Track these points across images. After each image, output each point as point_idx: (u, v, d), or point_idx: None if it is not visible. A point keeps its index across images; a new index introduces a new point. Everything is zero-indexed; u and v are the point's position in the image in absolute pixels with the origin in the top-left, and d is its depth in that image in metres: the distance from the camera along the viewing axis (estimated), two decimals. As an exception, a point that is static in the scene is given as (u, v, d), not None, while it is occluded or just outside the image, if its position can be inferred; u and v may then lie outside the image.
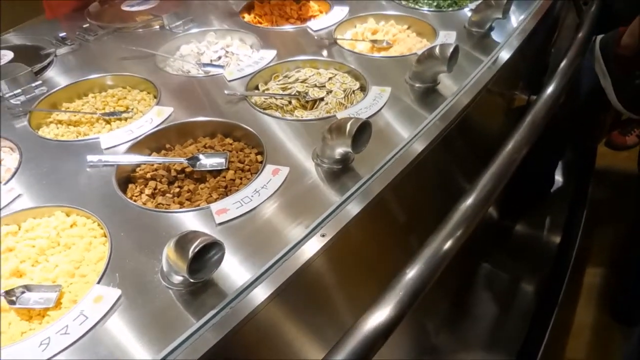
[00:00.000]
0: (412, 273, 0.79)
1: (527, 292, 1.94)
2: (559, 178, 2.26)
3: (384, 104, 1.11)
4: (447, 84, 1.17)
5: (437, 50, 1.11)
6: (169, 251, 0.70)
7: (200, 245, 0.66)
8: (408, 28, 1.51)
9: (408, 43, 1.43)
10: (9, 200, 0.90)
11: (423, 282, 0.80)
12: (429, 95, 1.15)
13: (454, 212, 0.90)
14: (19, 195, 0.91)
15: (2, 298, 0.76)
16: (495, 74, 1.21)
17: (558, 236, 2.09)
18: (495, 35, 1.37)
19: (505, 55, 1.28)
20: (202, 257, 0.68)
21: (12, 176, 0.96)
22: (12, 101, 1.17)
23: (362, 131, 0.89)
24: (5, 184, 0.94)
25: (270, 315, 0.76)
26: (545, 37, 1.66)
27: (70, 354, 0.66)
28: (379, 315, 0.72)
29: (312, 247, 0.80)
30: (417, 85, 1.17)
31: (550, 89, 1.22)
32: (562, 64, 1.28)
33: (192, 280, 0.68)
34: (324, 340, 0.84)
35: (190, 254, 0.65)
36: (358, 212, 0.86)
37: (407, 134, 1.03)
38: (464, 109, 1.10)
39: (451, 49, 1.09)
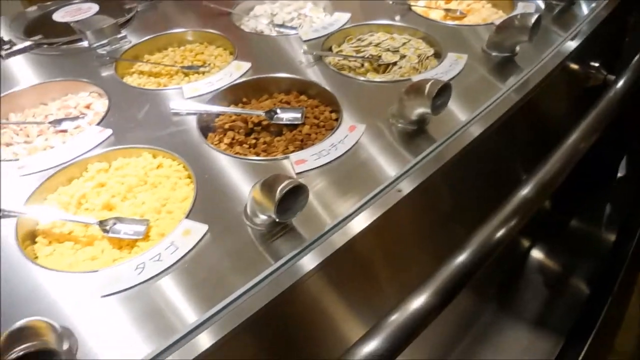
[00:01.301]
0: (461, 258, 0.80)
1: (578, 282, 1.90)
2: (621, 172, 2.18)
3: (460, 71, 1.10)
4: (526, 55, 1.15)
5: (518, 18, 1.09)
6: (255, 191, 0.74)
7: (290, 187, 0.69)
8: (484, -2, 1.48)
9: (483, 14, 1.40)
10: (101, 139, 0.95)
11: (470, 270, 0.80)
12: (506, 65, 1.13)
13: (511, 199, 0.90)
14: (109, 136, 0.96)
15: (97, 227, 0.82)
16: (575, 48, 1.17)
17: (614, 233, 2.02)
18: (577, 9, 1.32)
19: (586, 30, 1.24)
20: (289, 199, 0.71)
21: (103, 119, 1.02)
22: (98, 51, 1.23)
23: (443, 93, 0.89)
24: (98, 124, 1.00)
25: (342, 264, 0.78)
26: (624, 13, 1.59)
27: (162, 280, 0.71)
28: (421, 300, 0.74)
29: (388, 201, 0.82)
30: (494, 54, 1.15)
31: (629, 73, 1.18)
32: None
33: (277, 220, 0.71)
34: (381, 299, 0.86)
35: (279, 194, 0.68)
36: (432, 173, 0.87)
37: (482, 102, 1.02)
38: (541, 82, 1.08)
39: (534, 18, 1.07)
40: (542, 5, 1.36)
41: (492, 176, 1.11)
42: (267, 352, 0.74)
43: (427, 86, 0.89)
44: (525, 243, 1.80)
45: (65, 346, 0.58)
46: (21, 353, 0.51)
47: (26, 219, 0.82)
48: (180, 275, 0.71)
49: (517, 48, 1.15)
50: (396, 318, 0.75)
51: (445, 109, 0.93)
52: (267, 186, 0.72)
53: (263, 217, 0.75)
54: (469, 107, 1.01)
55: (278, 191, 0.69)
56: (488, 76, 1.11)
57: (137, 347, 0.63)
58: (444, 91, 0.89)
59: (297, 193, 0.72)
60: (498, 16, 1.39)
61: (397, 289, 0.92)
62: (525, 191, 0.92)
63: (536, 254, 1.93)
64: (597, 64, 1.44)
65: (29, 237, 0.82)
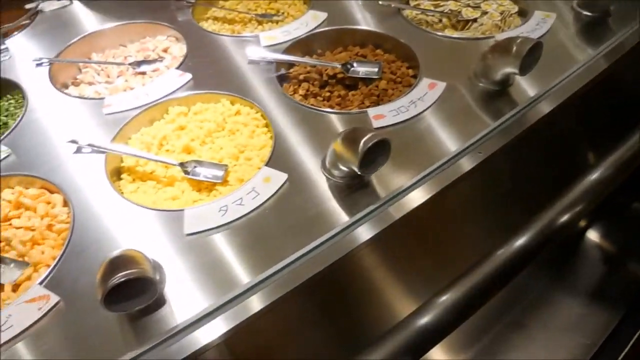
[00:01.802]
0: (522, 240, 0.79)
1: (635, 263, 1.83)
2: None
3: (547, 31, 1.05)
4: (620, 16, 1.08)
5: (617, -24, 1.02)
6: (336, 144, 0.74)
7: (374, 140, 0.68)
8: (573, -47, 1.38)
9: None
10: (181, 83, 0.97)
11: (531, 253, 0.79)
12: (598, 26, 1.07)
13: (580, 181, 0.87)
14: (189, 80, 0.98)
15: (178, 168, 0.85)
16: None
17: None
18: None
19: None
20: (372, 153, 0.70)
21: (181, 63, 1.03)
22: (174, -6, 1.23)
23: (533, 52, 0.85)
24: (177, 68, 1.01)
25: (417, 222, 0.78)
26: None
27: (244, 223, 0.73)
28: (475, 280, 0.73)
29: (468, 162, 0.80)
30: (585, 13, 1.09)
31: None
32: None
33: (359, 173, 0.71)
34: (439, 272, 0.86)
35: (364, 147, 0.68)
36: (513, 137, 0.85)
37: (569, 66, 0.97)
38: (635, 46, 1.01)
39: (636, -24, 0.99)
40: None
41: (566, 150, 1.07)
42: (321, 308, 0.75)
43: (516, 44, 0.85)
44: (582, 222, 1.74)
45: (157, 277, 0.61)
46: (123, 279, 0.54)
47: (113, 156, 0.86)
48: (260, 220, 0.73)
49: (612, 7, 1.07)
50: (450, 296, 0.75)
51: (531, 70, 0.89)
52: (350, 139, 0.71)
53: (343, 169, 0.76)
54: (556, 71, 0.96)
55: (362, 144, 0.69)
56: (577, 38, 1.04)
57: (217, 287, 0.65)
58: (534, 50, 0.85)
59: (380, 148, 0.71)
60: (589, -28, 1.29)
61: (455, 263, 0.92)
62: (596, 174, 0.88)
63: (593, 234, 1.87)
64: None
65: (115, 174, 0.86)
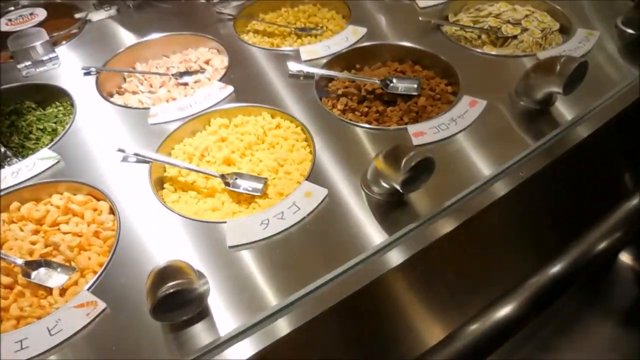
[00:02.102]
0: (555, 269, 0.77)
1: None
2: None
3: (590, 50, 1.03)
4: (667, 35, 1.06)
5: (666, -5, 1.00)
6: (378, 161, 0.74)
7: (418, 159, 0.68)
8: (617, -30, 1.36)
9: (615, -13, 1.29)
10: (223, 95, 0.99)
11: (568, 280, 0.77)
12: (641, 45, 1.05)
13: (617, 211, 0.85)
14: (232, 92, 1.00)
15: (219, 179, 0.87)
16: None
17: None
18: None
19: None
20: (414, 172, 0.70)
21: (223, 75, 1.05)
22: (217, 7, 1.26)
23: (577, 72, 0.84)
24: (219, 80, 1.03)
25: (452, 244, 0.78)
26: None
27: (284, 237, 0.74)
28: (506, 310, 0.72)
29: (508, 183, 0.80)
30: (629, 31, 1.07)
31: None
32: None
33: (401, 191, 0.72)
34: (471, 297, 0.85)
35: (407, 165, 0.68)
36: (555, 158, 0.84)
37: (613, 86, 0.96)
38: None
39: (685, -4, 0.97)
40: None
41: (606, 173, 1.05)
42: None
43: (560, 63, 0.84)
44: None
45: (203, 289, 0.63)
46: (173, 290, 0.56)
47: (157, 166, 0.88)
48: (299, 235, 0.74)
49: (658, 27, 1.06)
50: (481, 325, 0.75)
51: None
52: (393, 156, 0.72)
53: (384, 186, 0.76)
54: (599, 91, 0.95)
55: (405, 162, 0.69)
56: (621, 56, 1.03)
57: (253, 304, 0.66)
58: (578, 70, 0.84)
59: (423, 166, 0.72)
60: (633, -10, 1.27)
61: (488, 288, 0.91)
62: (636, 201, 0.87)
63: (625, 256, 1.82)
64: None
65: (158, 183, 0.88)
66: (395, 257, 0.72)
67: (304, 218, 0.76)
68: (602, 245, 0.85)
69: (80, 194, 0.84)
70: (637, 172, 1.13)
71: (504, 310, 0.79)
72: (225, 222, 0.76)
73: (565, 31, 1.13)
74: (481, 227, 0.82)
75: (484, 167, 0.82)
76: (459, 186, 0.80)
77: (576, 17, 1.13)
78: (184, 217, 0.78)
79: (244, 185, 0.87)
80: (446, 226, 0.76)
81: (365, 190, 0.80)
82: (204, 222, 0.77)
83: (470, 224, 0.77)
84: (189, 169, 0.87)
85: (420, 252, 0.73)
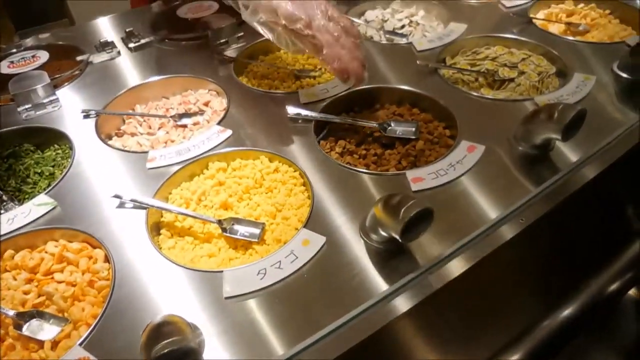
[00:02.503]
0: (564, 314, 0.77)
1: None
2: None
3: (587, 94, 1.04)
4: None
5: (660, 41, 1.01)
6: (377, 209, 0.74)
7: (417, 209, 0.68)
8: (610, 13, 1.39)
9: (609, 30, 1.32)
10: (222, 139, 0.99)
11: (576, 327, 0.76)
12: (637, 91, 1.06)
13: (627, 251, 0.85)
14: (230, 136, 1.00)
15: (214, 226, 0.86)
16: None
17: None
18: None
19: None
20: (413, 221, 0.70)
21: (223, 118, 1.06)
22: (217, 49, 1.28)
23: (575, 120, 0.84)
24: (218, 124, 1.04)
25: (456, 291, 0.77)
26: None
27: (281, 288, 0.72)
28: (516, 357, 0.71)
29: (509, 230, 0.79)
30: (625, 76, 1.08)
31: None
32: None
33: (400, 241, 0.71)
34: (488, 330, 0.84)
35: (406, 215, 0.68)
36: (555, 204, 0.83)
37: (611, 131, 0.96)
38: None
39: (679, 42, 0.99)
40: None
41: (608, 219, 1.05)
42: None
43: (558, 111, 0.85)
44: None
45: (198, 345, 0.61)
46: (166, 350, 0.54)
47: (154, 211, 0.87)
48: (297, 286, 0.73)
49: (654, 73, 1.07)
50: None
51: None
52: (392, 206, 0.71)
53: (383, 234, 0.75)
54: (597, 136, 0.95)
55: (404, 212, 0.68)
56: (619, 102, 1.04)
57: (260, 352, 0.65)
58: (577, 118, 0.84)
59: (422, 216, 0.71)
60: (627, 33, 1.30)
61: (495, 335, 0.89)
62: None
63: (632, 290, 1.80)
64: None
65: (154, 229, 0.87)
66: (397, 307, 0.71)
67: (302, 267, 0.75)
68: (613, 287, 0.84)
69: (76, 241, 0.83)
70: None
71: (514, 358, 0.77)
72: (221, 271, 0.75)
73: (562, 75, 1.14)
74: (485, 274, 0.81)
75: (484, 213, 0.82)
76: (459, 234, 0.79)
77: (572, 61, 1.14)
78: (180, 265, 0.77)
79: (241, 230, 0.86)
80: (448, 275, 0.75)
81: (364, 238, 0.79)
82: (200, 271, 0.76)
83: (473, 271, 0.76)
84: (185, 214, 0.87)
85: (423, 301, 0.72)
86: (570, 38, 1.27)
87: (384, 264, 0.76)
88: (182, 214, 0.87)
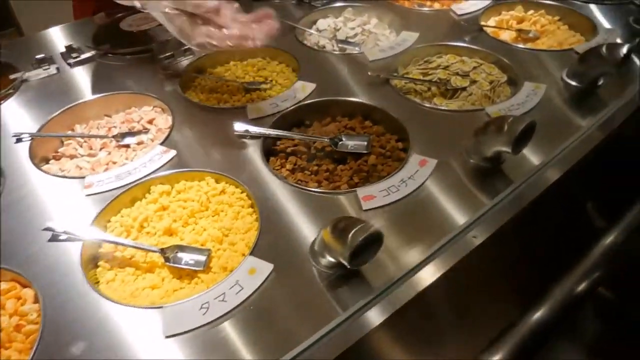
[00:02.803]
0: (537, 316, 0.76)
1: (635, 313, 1.78)
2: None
3: (538, 103, 1.04)
4: (610, 88, 1.07)
5: (606, 49, 1.02)
6: (326, 233, 0.70)
7: (365, 234, 0.65)
8: (559, 19, 1.40)
9: (558, 36, 1.33)
10: (165, 160, 0.94)
11: (548, 329, 0.76)
12: (587, 98, 1.06)
13: (593, 250, 0.85)
14: (173, 157, 0.95)
15: (157, 255, 0.81)
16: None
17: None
18: (666, 36, 1.23)
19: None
20: (362, 245, 0.67)
21: (167, 137, 1.01)
22: (163, 63, 1.22)
23: (526, 132, 0.83)
24: (161, 144, 0.99)
25: (409, 316, 0.74)
26: None
27: (227, 321, 0.68)
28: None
29: (463, 248, 0.77)
30: (574, 84, 1.08)
31: None
32: None
33: (349, 267, 0.68)
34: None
35: (356, 241, 0.65)
36: (510, 218, 0.82)
37: (563, 140, 0.95)
38: (627, 119, 1.00)
39: (624, 50, 0.99)
40: (625, 31, 1.26)
41: (571, 221, 1.05)
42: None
43: (508, 124, 0.83)
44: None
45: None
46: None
47: (91, 243, 0.82)
48: (243, 318, 0.69)
49: (602, 79, 1.07)
50: None
51: (523, 146, 0.87)
52: (340, 230, 0.68)
53: (332, 260, 0.72)
54: (549, 145, 0.94)
55: (352, 237, 0.65)
56: (569, 110, 1.04)
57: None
58: (527, 130, 0.83)
59: (371, 240, 0.68)
60: (576, 40, 1.31)
61: (466, 344, 0.88)
62: (610, 238, 0.86)
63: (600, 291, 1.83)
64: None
65: (92, 261, 0.82)
66: (352, 334, 0.68)
67: (247, 298, 0.71)
68: (581, 287, 0.83)
69: (4, 280, 0.77)
70: (607, 210, 1.14)
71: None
72: (161, 307, 0.70)
73: (513, 83, 1.14)
74: (447, 287, 0.79)
75: (438, 229, 0.80)
76: (414, 251, 0.76)
77: (522, 69, 1.14)
78: (117, 303, 0.72)
79: (186, 258, 0.81)
80: (403, 297, 0.72)
81: (314, 263, 0.75)
82: (138, 307, 0.71)
83: (433, 288, 0.73)
84: (123, 244, 0.81)
85: (378, 327, 0.69)
86: (521, 46, 1.27)
87: (336, 290, 0.72)
88: (120, 244, 0.81)
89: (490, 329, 0.84)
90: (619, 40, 1.22)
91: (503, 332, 0.80)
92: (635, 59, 1.15)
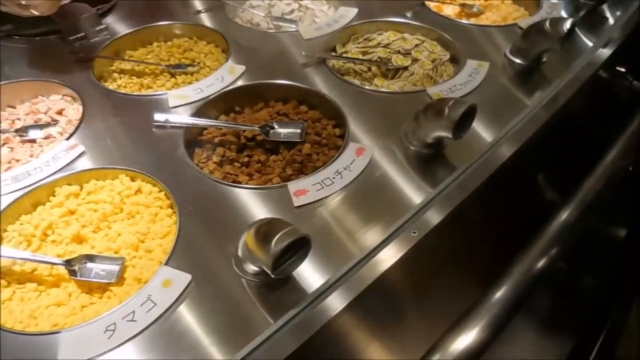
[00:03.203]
0: (499, 294, 0.72)
1: (588, 285, 1.81)
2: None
3: (481, 82, 0.98)
4: (554, 64, 1.03)
5: (549, 24, 0.97)
6: (249, 239, 0.62)
7: (289, 240, 0.57)
8: (503, -7, 1.35)
9: (502, 11, 1.28)
10: (72, 157, 0.83)
11: (512, 306, 0.72)
12: (531, 75, 1.02)
13: (549, 227, 0.81)
14: (82, 153, 0.84)
15: (63, 268, 0.71)
16: (608, 57, 1.05)
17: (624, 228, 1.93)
18: (610, 11, 1.19)
19: (619, 35, 1.12)
20: (287, 251, 0.59)
21: (75, 130, 0.89)
22: (74, 45, 1.09)
23: (467, 116, 0.77)
24: (67, 138, 0.87)
25: (347, 320, 0.68)
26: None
27: (136, 345, 0.60)
28: (463, 340, 0.66)
29: (402, 245, 0.71)
30: (518, 62, 1.03)
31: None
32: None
33: (272, 276, 0.60)
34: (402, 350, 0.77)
35: (277, 249, 0.57)
36: (453, 208, 0.76)
37: (507, 120, 0.90)
38: (571, 97, 0.96)
39: (567, 25, 0.94)
40: (569, 5, 1.22)
41: (521, 202, 1.01)
42: None
43: (448, 108, 0.77)
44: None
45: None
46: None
47: (-20, 258, 0.71)
48: (156, 340, 0.60)
49: (544, 56, 1.03)
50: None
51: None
52: (262, 235, 0.60)
53: (255, 268, 0.64)
54: (493, 127, 0.89)
55: (274, 244, 0.58)
56: (513, 88, 0.99)
57: None
58: (468, 114, 0.77)
59: (297, 245, 0.61)
60: (520, 14, 1.26)
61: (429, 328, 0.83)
62: (565, 215, 0.83)
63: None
64: (623, 70, 1.32)
65: (-15, 277, 0.71)
66: (292, 343, 0.61)
67: (160, 316, 0.62)
68: (542, 262, 0.80)
69: None
70: (560, 185, 1.11)
71: (462, 341, 0.70)
72: (59, 332, 0.61)
73: (456, 61, 1.08)
74: (389, 285, 0.73)
75: (377, 225, 0.73)
76: (352, 250, 0.70)
77: (466, 46, 1.08)
78: (7, 331, 0.62)
79: (96, 269, 0.71)
80: (341, 301, 0.65)
81: (238, 271, 0.67)
82: (33, 335, 0.61)
83: (378, 284, 0.67)
84: (19, 258, 0.71)
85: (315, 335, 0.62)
86: (464, 21, 1.21)
87: (265, 300, 0.65)
88: (14, 258, 0.71)
89: (453, 312, 0.79)
90: (563, 14, 1.17)
91: (467, 311, 0.76)
92: (580, 33, 1.11)
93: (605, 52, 1.06)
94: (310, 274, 0.67)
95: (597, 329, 1.59)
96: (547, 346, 1.47)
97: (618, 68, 1.29)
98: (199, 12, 1.22)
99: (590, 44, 1.09)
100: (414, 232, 0.72)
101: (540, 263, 0.84)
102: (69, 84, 1.00)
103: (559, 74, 1.00)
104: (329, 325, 0.64)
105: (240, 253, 0.66)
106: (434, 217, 0.75)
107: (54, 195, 0.81)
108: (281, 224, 0.60)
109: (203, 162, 0.88)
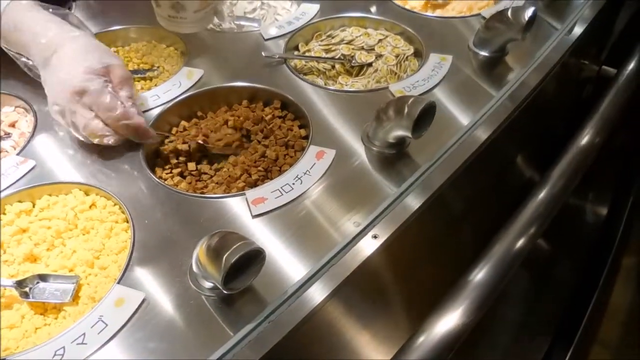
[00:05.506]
0: (480, 275, 0.71)
1: (565, 268, 1.82)
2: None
3: (444, 76, 0.96)
4: (519, 53, 1.02)
5: (510, 13, 0.95)
6: (200, 254, 0.60)
7: (238, 255, 0.56)
8: (469, -18, 1.33)
9: (468, 0, 1.26)
10: (22, 172, 0.80)
11: (493, 286, 0.71)
12: (495, 67, 1.00)
13: (525, 207, 0.80)
14: (33, 167, 0.81)
15: (14, 290, 0.68)
16: (573, 44, 1.04)
17: (604, 209, 1.93)
18: (573, -2, 1.18)
19: (583, 20, 1.11)
20: (241, 264, 0.57)
21: (27, 144, 0.86)
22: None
23: (426, 114, 0.75)
24: (19, 153, 0.84)
25: (315, 326, 0.66)
26: None
27: (87, 370, 0.57)
28: (445, 324, 0.64)
29: (364, 250, 0.69)
30: (482, 53, 1.02)
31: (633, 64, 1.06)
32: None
33: (225, 292, 0.58)
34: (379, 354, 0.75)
35: (227, 265, 0.55)
36: (416, 208, 0.75)
37: (471, 115, 0.89)
38: (536, 86, 0.95)
39: (528, 14, 0.93)
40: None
41: (493, 191, 1.00)
42: None
43: (407, 106, 0.75)
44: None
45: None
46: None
47: None
48: (108, 363, 0.58)
49: (508, 47, 1.01)
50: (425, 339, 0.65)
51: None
52: (214, 250, 0.58)
53: (209, 283, 0.62)
54: (457, 122, 0.88)
55: (225, 259, 0.56)
56: (477, 80, 0.97)
57: None
58: (427, 112, 0.76)
59: (252, 257, 0.59)
60: (485, 4, 1.24)
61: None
62: (540, 196, 0.82)
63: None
64: (590, 55, 1.32)
65: None
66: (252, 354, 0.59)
67: (111, 338, 0.60)
68: (520, 243, 0.79)
69: None
70: (536, 163, 1.11)
71: (442, 324, 0.69)
72: (5, 359, 0.58)
73: (420, 54, 1.06)
74: (355, 292, 0.72)
75: (336, 231, 0.71)
76: (313, 257, 0.68)
77: (429, 39, 1.06)
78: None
79: (50, 289, 0.69)
80: (305, 308, 0.63)
81: (194, 286, 0.65)
82: (-24, 364, 0.59)
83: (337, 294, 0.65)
84: (-34, 283, 0.68)
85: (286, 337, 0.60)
86: (429, 13, 1.19)
87: (222, 314, 0.63)
88: (-40, 283, 0.68)
89: (433, 296, 0.77)
90: (526, 1, 1.16)
91: (448, 294, 0.75)
92: (545, 20, 1.10)
93: (571, 38, 1.05)
94: (269, 286, 0.65)
95: (578, 318, 1.60)
96: (521, 349, 1.47)
97: (586, 55, 1.29)
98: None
99: (555, 30, 1.08)
100: (375, 236, 0.70)
101: (520, 242, 0.82)
102: (22, 94, 0.97)
103: (524, 63, 0.99)
104: (292, 334, 0.62)
105: (194, 267, 0.64)
106: (396, 219, 0.74)
107: (4, 214, 0.78)
108: (232, 238, 0.58)
109: (167, 174, 0.86)
